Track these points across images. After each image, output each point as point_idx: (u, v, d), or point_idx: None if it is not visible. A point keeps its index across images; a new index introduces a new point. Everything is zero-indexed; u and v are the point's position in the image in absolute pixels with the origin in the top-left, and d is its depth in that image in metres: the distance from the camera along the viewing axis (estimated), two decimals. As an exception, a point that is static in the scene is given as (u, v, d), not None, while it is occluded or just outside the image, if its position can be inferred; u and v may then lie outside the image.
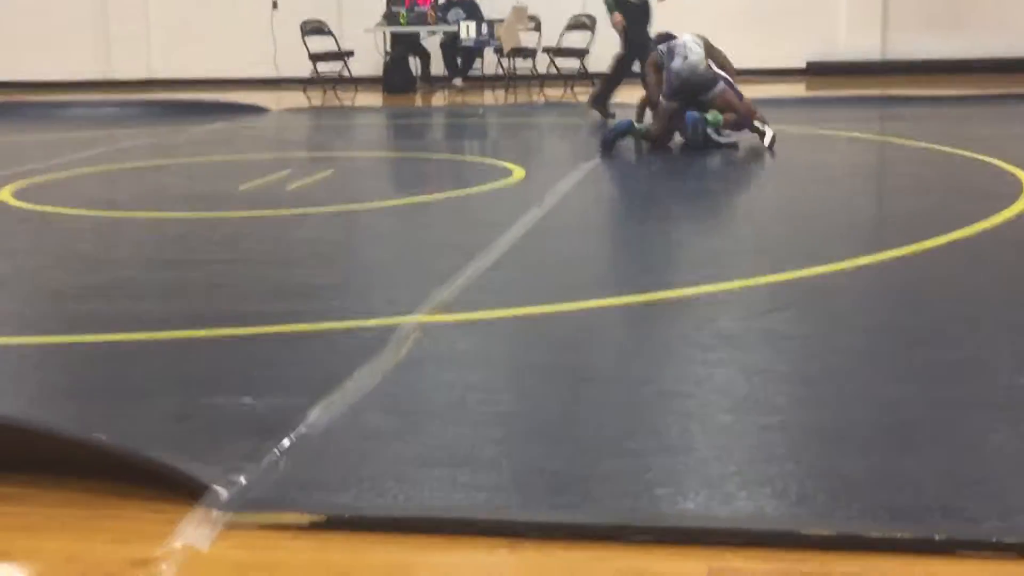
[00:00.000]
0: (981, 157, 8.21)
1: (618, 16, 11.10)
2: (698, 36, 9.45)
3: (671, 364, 3.96)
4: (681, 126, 9.10)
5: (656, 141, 9.19)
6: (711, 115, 9.00)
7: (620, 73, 11.39)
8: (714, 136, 9.03)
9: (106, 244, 6.46)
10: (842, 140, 9.94)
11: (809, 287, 4.84)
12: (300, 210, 7.07)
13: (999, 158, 8.03)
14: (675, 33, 9.60)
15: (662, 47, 9.46)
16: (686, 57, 9.19)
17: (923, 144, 9.15)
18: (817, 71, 16.37)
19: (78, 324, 4.53)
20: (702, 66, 9.20)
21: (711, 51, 9.38)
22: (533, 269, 5.41)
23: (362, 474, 2.96)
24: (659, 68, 9.45)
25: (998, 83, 14.24)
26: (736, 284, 4.85)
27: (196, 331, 4.34)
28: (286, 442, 3.15)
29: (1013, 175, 7.38)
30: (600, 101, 11.54)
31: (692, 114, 8.98)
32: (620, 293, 4.83)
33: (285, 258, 5.81)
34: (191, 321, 4.49)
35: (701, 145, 8.97)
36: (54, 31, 17.79)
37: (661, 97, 9.25)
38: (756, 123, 9.17)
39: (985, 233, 5.71)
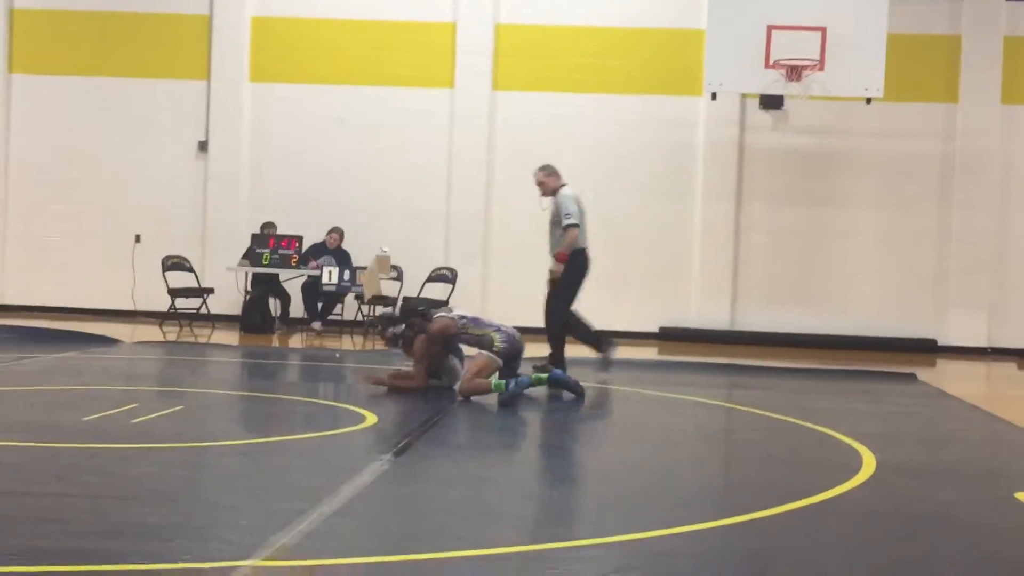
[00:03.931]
0: (822, 429, 8.46)
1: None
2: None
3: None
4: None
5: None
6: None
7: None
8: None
9: (-66, 470, 6.19)
10: (690, 404, 10.17)
11: (655, 549, 4.86)
12: (144, 445, 6.91)
13: (839, 431, 8.29)
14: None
15: (466, 319, 10.03)
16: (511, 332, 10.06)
17: (768, 413, 9.42)
18: (669, 336, 16.86)
19: None
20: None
21: None
22: (379, 517, 5.34)
23: None
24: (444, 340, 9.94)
25: (839, 358, 14.83)
26: (584, 542, 4.85)
27: (17, 568, 4.15)
28: None
29: (852, 448, 7.60)
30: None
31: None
32: (467, 547, 4.78)
33: (123, 494, 5.64)
34: (14, 558, 4.30)
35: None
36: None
37: (492, 356, 9.83)
38: None
39: (826, 504, 5.83)
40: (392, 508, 5.57)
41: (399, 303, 10.60)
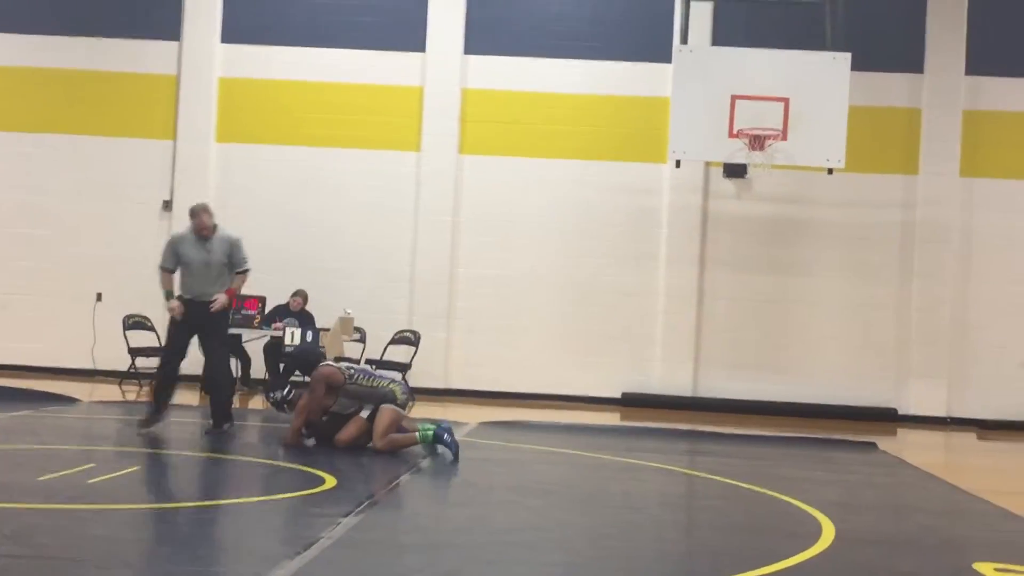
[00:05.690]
0: (782, 496, 8.47)
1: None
2: None
3: None
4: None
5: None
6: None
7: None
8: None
9: None
10: (652, 470, 10.15)
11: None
12: (100, 506, 6.83)
13: (799, 499, 8.29)
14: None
15: (354, 370, 10.29)
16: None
17: (728, 480, 9.41)
18: (631, 402, 16.86)
19: None
20: None
21: None
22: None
23: None
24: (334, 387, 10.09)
25: (800, 426, 14.87)
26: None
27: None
28: None
29: (812, 516, 7.60)
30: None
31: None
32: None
33: (78, 556, 5.56)
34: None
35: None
36: None
37: (397, 408, 9.99)
38: None
39: (785, 572, 5.82)
40: (349, 574, 5.51)
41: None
